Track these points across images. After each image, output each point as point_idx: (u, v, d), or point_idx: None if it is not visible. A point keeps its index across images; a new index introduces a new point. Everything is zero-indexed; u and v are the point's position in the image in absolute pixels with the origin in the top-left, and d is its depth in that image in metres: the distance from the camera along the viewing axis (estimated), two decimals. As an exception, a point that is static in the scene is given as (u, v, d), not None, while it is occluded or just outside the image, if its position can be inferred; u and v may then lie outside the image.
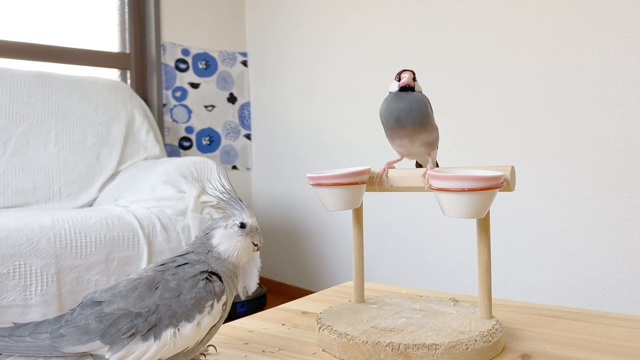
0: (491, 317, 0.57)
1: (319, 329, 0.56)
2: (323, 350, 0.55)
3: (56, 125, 1.85)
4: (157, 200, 1.57)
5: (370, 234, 1.92)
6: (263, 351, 0.55)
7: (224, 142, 2.44)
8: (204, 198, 1.63)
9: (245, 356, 0.54)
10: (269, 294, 2.35)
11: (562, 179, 1.40)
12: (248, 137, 2.51)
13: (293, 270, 2.29)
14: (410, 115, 0.57)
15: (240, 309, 2.05)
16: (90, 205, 1.86)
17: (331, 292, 0.80)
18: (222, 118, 2.43)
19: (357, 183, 0.59)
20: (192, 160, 1.71)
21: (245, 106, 2.50)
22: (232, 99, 2.46)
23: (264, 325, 0.64)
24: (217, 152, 2.42)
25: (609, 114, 1.30)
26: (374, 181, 0.61)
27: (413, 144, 0.59)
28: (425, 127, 0.58)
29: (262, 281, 2.38)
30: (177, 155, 2.30)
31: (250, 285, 1.69)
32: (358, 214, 0.65)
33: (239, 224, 0.50)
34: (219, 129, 2.42)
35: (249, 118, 2.51)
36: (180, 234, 1.51)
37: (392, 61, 1.85)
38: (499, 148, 1.55)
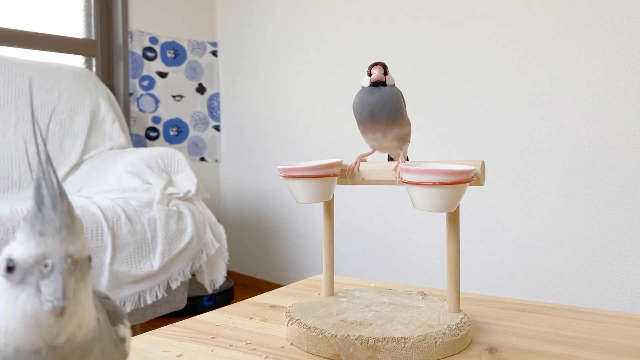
0: (459, 310, 0.58)
1: (288, 322, 0.55)
2: (292, 344, 0.54)
3: (16, 112, 1.78)
4: (122, 191, 1.53)
5: (339, 228, 1.92)
6: (230, 345, 0.54)
7: (192, 133, 2.40)
8: (171, 190, 1.60)
9: (212, 350, 0.53)
10: (237, 288, 2.33)
11: (526, 175, 1.43)
12: (217, 128, 2.47)
13: (261, 264, 2.28)
14: (383, 109, 0.57)
15: (206, 303, 2.03)
16: (52, 196, 1.80)
17: (300, 285, 0.79)
18: (190, 108, 2.39)
19: (328, 175, 0.58)
20: (159, 151, 1.68)
21: (215, 97, 2.46)
22: (201, 89, 2.42)
23: (231, 319, 0.63)
24: (185, 143, 2.38)
25: (573, 113, 1.33)
26: (345, 174, 0.61)
27: (386, 137, 0.59)
28: (398, 122, 0.58)
29: (230, 275, 2.35)
30: (144, 145, 2.25)
31: (217, 278, 1.67)
32: (329, 207, 0.64)
33: (5, 265, 0.25)
34: (187, 120, 2.38)
35: (218, 109, 2.47)
36: (146, 225, 1.47)
37: (365, 55, 1.85)
38: (466, 144, 1.57)
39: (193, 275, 1.64)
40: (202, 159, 2.43)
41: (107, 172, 1.67)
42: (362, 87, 0.59)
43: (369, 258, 1.86)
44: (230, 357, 0.51)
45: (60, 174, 1.82)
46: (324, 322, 0.54)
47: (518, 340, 0.55)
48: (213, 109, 2.46)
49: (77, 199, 1.49)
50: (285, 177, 0.59)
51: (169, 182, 1.63)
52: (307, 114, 2.06)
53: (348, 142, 1.89)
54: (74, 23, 2.16)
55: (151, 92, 2.26)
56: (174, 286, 1.53)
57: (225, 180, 2.45)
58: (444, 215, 1.64)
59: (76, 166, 1.86)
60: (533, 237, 1.42)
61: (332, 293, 0.65)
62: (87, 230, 1.37)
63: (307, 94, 2.06)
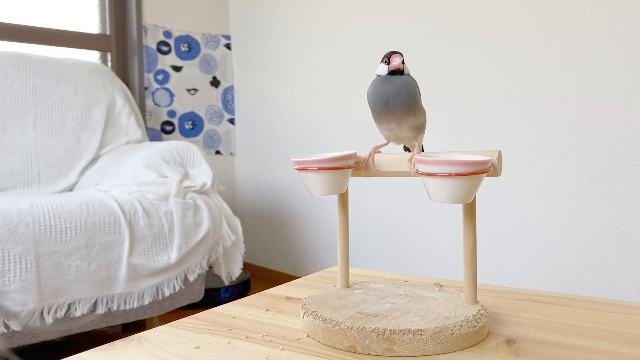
0: (476, 302, 0.57)
1: (304, 314, 0.56)
2: (308, 336, 0.55)
3: (34, 108, 1.80)
4: (139, 185, 1.54)
5: (354, 220, 1.92)
6: (247, 337, 0.54)
7: (207, 126, 2.41)
8: (187, 183, 1.61)
9: (229, 342, 0.53)
10: (253, 280, 2.35)
11: (544, 164, 1.41)
12: (231, 121, 2.48)
13: (276, 256, 2.29)
14: (398, 99, 0.57)
15: (224, 295, 2.05)
16: (70, 190, 1.82)
17: (316, 277, 0.79)
18: (205, 102, 2.40)
19: (343, 168, 0.58)
20: (175, 145, 1.69)
21: (229, 90, 2.47)
22: (215, 82, 2.43)
23: (247, 311, 0.63)
24: (200, 137, 2.39)
25: (591, 101, 1.31)
26: (360, 166, 0.60)
27: (401, 128, 0.58)
28: (413, 111, 0.57)
29: (246, 266, 2.37)
30: (159, 139, 2.27)
31: (234, 270, 1.68)
32: (343, 199, 0.64)
33: None
34: (201, 113, 2.39)
35: (233, 102, 2.48)
36: (163, 219, 1.49)
37: (377, 46, 1.84)
38: (483, 134, 1.55)
39: (210, 267, 1.66)
40: (218, 152, 2.45)
41: (124, 166, 1.69)
42: (377, 75, 0.59)
43: (384, 250, 1.85)
44: (247, 348, 0.51)
45: (78, 169, 1.84)
46: (340, 314, 0.54)
47: (536, 331, 0.54)
48: (227, 102, 2.47)
49: (95, 193, 1.51)
50: (299, 169, 0.58)
51: (185, 176, 1.64)
52: (320, 106, 2.05)
53: (362, 134, 1.88)
54: (89, 18, 2.18)
55: (166, 86, 2.28)
56: (191, 278, 1.54)
57: (240, 173, 2.46)
58: (459, 207, 1.63)
59: (93, 160, 1.89)
60: (551, 227, 1.40)
61: (347, 285, 0.65)
62: (104, 224, 1.38)
63: (320, 86, 2.05)
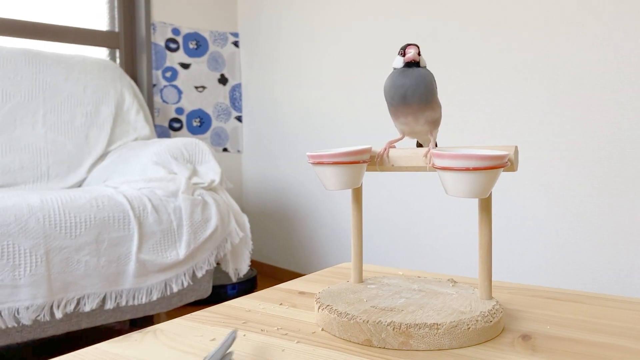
0: (491, 297, 0.57)
1: (318, 308, 0.56)
2: (322, 329, 0.55)
3: (44, 104, 1.81)
4: (148, 181, 1.54)
5: (364, 217, 1.92)
6: (262, 330, 0.55)
7: (215, 123, 2.41)
8: (195, 179, 1.62)
9: (244, 335, 0.53)
10: (260, 277, 2.35)
11: (555, 162, 1.41)
12: (239, 119, 2.48)
13: (283, 253, 2.29)
14: (416, 92, 0.56)
15: (230, 292, 2.05)
16: (79, 186, 1.83)
17: (327, 273, 0.79)
18: (212, 99, 2.40)
19: (358, 162, 0.58)
20: (183, 142, 1.69)
21: (237, 87, 2.47)
22: (223, 80, 2.43)
23: (261, 305, 0.63)
24: (208, 134, 2.39)
25: (603, 99, 1.30)
26: (374, 161, 0.60)
27: (417, 121, 0.58)
28: (430, 105, 0.57)
29: (253, 264, 2.38)
30: (167, 136, 2.28)
31: (241, 267, 1.68)
32: (357, 194, 0.64)
33: None
34: (209, 111, 2.39)
35: (240, 100, 2.48)
36: (172, 215, 1.49)
37: (385, 42, 1.83)
38: (494, 131, 1.55)
39: (218, 264, 1.66)
40: (225, 150, 2.45)
41: (133, 163, 1.69)
42: (394, 69, 0.59)
43: (395, 247, 1.85)
44: (262, 341, 0.52)
45: (87, 165, 1.85)
46: (355, 308, 0.54)
47: (552, 327, 0.54)
48: (235, 99, 2.47)
49: (104, 189, 1.51)
50: (314, 163, 0.58)
51: (194, 172, 1.65)
52: (328, 103, 2.05)
53: (370, 131, 1.88)
54: (98, 15, 2.19)
55: (174, 83, 2.28)
56: (199, 275, 1.54)
57: (248, 171, 2.46)
58: (471, 205, 1.63)
59: (102, 157, 1.89)
60: (562, 226, 1.40)
61: (361, 280, 0.65)
62: (114, 219, 1.39)
63: (328, 84, 2.05)
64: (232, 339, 0.47)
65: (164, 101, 2.26)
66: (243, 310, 0.61)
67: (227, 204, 1.65)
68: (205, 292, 1.62)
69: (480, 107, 1.57)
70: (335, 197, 2.04)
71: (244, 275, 2.09)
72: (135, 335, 0.54)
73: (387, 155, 0.60)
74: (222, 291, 2.04)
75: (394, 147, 0.62)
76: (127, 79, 2.04)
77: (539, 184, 1.44)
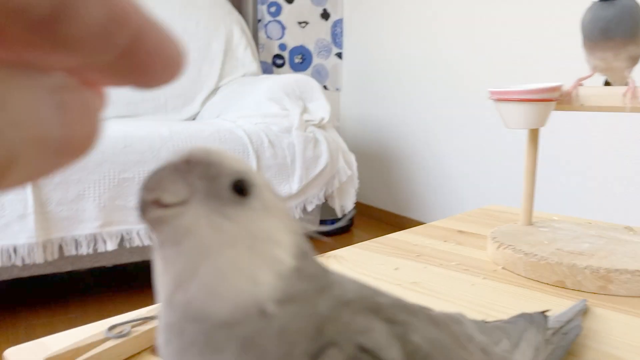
0: (684, 248, 0.54)
1: (498, 247, 0.55)
2: (503, 268, 0.54)
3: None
4: (263, 116, 1.58)
5: (512, 157, 1.86)
6: (440, 264, 0.55)
7: (315, 60, 2.40)
8: (306, 116, 1.63)
9: (425, 267, 0.54)
10: (357, 216, 2.39)
11: None
12: (339, 55, 2.45)
13: (381, 194, 2.30)
14: (620, 25, 0.52)
15: (330, 224, 2.11)
16: (193, 119, 1.91)
17: (477, 214, 0.78)
18: (314, 35, 2.38)
19: (546, 100, 0.55)
20: (295, 78, 1.70)
21: (338, 23, 2.42)
22: (325, 15, 2.39)
23: (425, 240, 0.64)
24: (309, 71, 2.39)
25: None
26: (562, 99, 0.57)
27: (617, 57, 0.54)
28: (634, 39, 0.53)
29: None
30: (270, 72, 2.30)
31: (347, 204, 1.71)
32: (534, 134, 0.62)
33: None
34: (311, 47, 2.38)
35: (341, 36, 2.44)
36: (286, 150, 1.53)
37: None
38: None
39: (325, 200, 1.70)
40: (324, 87, 2.44)
41: (246, 98, 1.73)
42: (594, 1, 0.54)
43: (561, 191, 1.77)
44: (446, 275, 0.52)
45: (200, 99, 1.92)
46: (540, 249, 0.53)
47: None
48: (336, 35, 2.43)
49: (223, 123, 1.57)
50: (497, 100, 0.56)
51: (305, 109, 1.66)
52: (436, 42, 1.96)
53: (485, 72, 1.79)
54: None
55: (278, 18, 2.27)
56: (309, 208, 1.59)
57: (346, 109, 2.45)
58: None
59: (213, 91, 1.95)
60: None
61: (530, 223, 0.64)
62: (234, 153, 1.44)
63: (436, 21, 1.95)
64: (581, 309, 0.39)
65: (267, 37, 2.26)
66: (410, 244, 0.62)
67: (336, 142, 1.66)
68: (314, 225, 1.67)
69: None
70: (440, 141, 2.00)
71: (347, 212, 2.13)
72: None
73: (577, 94, 0.57)
74: (320, 224, 2.10)
75: (582, 85, 0.58)
76: (236, 14, 2.06)
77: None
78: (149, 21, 0.11)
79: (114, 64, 0.10)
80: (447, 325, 0.21)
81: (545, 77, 1.45)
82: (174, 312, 0.18)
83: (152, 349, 0.38)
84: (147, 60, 0.11)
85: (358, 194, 1.76)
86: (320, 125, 1.65)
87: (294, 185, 1.53)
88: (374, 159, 2.32)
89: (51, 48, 0.10)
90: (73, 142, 0.10)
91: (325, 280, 0.19)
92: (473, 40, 1.83)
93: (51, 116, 0.10)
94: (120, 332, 0.36)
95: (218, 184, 0.17)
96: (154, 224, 0.17)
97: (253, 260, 0.17)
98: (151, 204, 0.17)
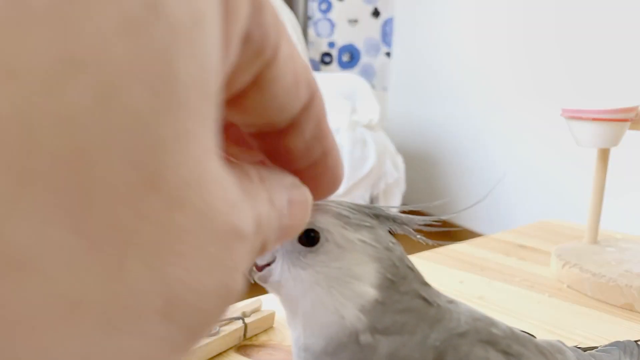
0: None
1: (563, 265, 0.55)
2: (568, 286, 0.54)
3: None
4: (313, 114, 1.60)
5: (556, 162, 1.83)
6: (505, 280, 0.56)
7: (364, 59, 2.40)
8: (355, 117, 1.64)
9: (490, 282, 0.55)
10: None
11: None
12: (388, 54, 2.44)
13: (428, 198, 2.30)
14: None
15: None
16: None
17: (535, 228, 0.78)
18: (363, 34, 2.38)
19: (623, 120, 0.55)
20: (345, 77, 1.72)
21: (388, 22, 2.42)
22: (376, 13, 2.38)
23: (486, 253, 0.64)
24: (356, 70, 2.39)
25: None
26: (637, 119, 0.57)
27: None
28: None
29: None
30: (317, 70, 2.31)
31: (391, 206, 1.72)
32: (605, 153, 0.61)
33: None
34: (359, 45, 2.38)
35: (391, 35, 2.43)
36: (335, 150, 1.54)
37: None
38: None
39: (371, 201, 1.71)
40: (371, 87, 2.44)
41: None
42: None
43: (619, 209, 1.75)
44: (511, 291, 0.53)
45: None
46: (608, 270, 0.53)
47: None
48: (386, 34, 2.43)
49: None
50: (569, 117, 0.56)
51: (354, 110, 1.67)
52: (492, 43, 1.93)
53: (541, 80, 1.76)
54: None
55: (328, 16, 2.28)
56: (354, 209, 1.60)
57: (393, 110, 2.45)
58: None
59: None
60: None
61: (595, 242, 0.63)
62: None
63: (493, 22, 1.92)
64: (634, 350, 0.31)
65: (317, 34, 2.28)
66: (472, 256, 0.63)
67: (384, 143, 1.67)
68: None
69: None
70: (491, 148, 1.97)
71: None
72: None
73: (653, 114, 0.56)
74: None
75: (657, 105, 0.57)
76: (287, 10, 2.08)
77: None
78: (334, 140, 0.13)
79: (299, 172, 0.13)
80: (554, 355, 0.22)
81: (612, 92, 1.42)
82: (295, 344, 0.21)
83: (237, 348, 0.40)
84: (323, 175, 0.13)
85: (404, 197, 1.76)
86: (369, 126, 1.66)
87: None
88: (421, 161, 2.31)
89: (275, 153, 0.13)
90: (291, 230, 0.12)
91: (426, 307, 0.21)
92: (533, 46, 1.80)
93: (284, 209, 0.12)
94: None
95: (292, 240, 0.20)
96: (260, 282, 0.21)
97: (335, 298, 0.20)
98: (253, 267, 0.21)
